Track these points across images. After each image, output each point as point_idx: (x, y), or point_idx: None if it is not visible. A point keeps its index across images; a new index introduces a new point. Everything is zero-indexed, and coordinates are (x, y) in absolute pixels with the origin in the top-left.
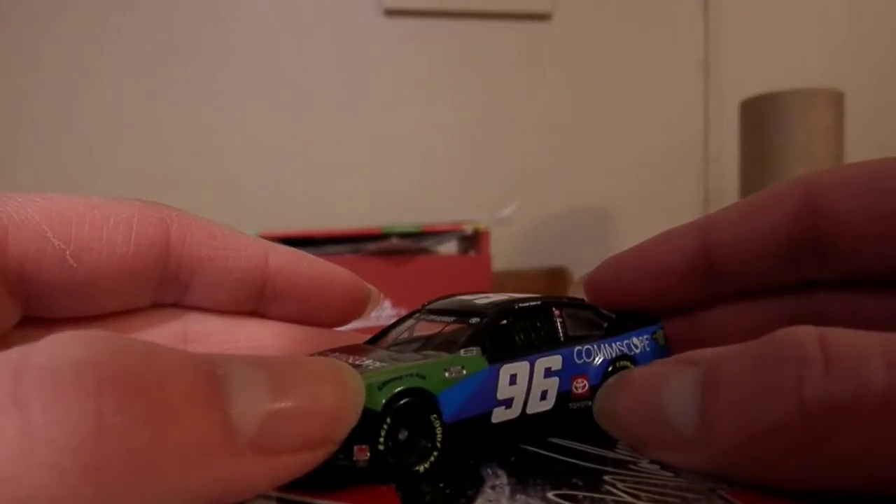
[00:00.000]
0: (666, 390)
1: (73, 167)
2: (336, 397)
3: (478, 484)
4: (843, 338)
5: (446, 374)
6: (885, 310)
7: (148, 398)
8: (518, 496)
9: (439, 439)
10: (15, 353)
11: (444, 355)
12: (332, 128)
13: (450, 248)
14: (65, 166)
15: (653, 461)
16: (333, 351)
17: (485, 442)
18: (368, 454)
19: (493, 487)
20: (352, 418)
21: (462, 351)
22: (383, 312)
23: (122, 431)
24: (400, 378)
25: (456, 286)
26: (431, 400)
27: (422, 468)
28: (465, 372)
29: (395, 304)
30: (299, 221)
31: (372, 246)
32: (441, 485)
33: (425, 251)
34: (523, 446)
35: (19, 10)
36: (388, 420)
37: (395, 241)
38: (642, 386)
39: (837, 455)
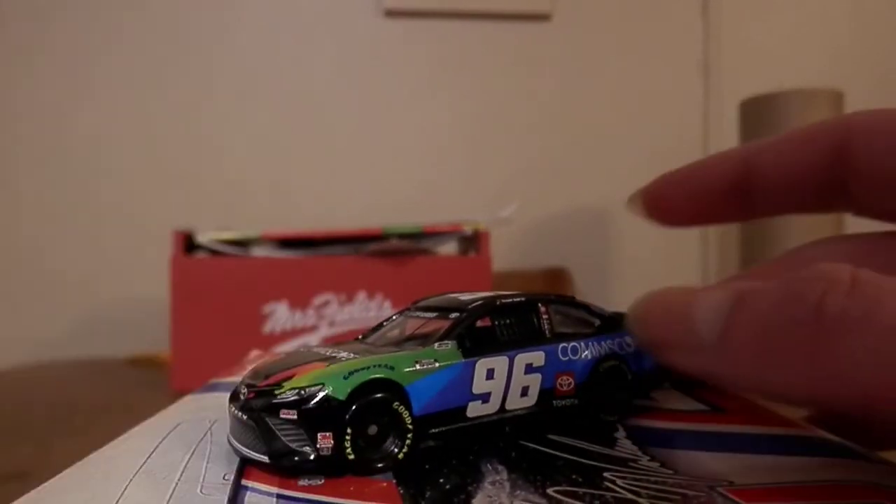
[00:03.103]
0: (698, 301)
1: (74, 167)
2: None
3: (478, 479)
4: (873, 276)
5: (417, 366)
6: None
7: None
8: (518, 492)
9: (409, 430)
10: None
11: (419, 348)
12: (332, 128)
13: (450, 248)
14: (66, 166)
15: (653, 460)
16: (321, 345)
17: (460, 436)
18: (332, 442)
19: (493, 483)
20: None
21: (436, 344)
22: (383, 313)
23: None
24: (367, 368)
25: (456, 286)
26: (400, 391)
27: (393, 460)
28: (437, 364)
29: (395, 305)
30: (299, 221)
31: (372, 246)
32: (441, 480)
33: (426, 251)
34: (523, 443)
35: (20, 10)
36: (353, 409)
37: (395, 242)
38: (677, 294)
39: (840, 362)
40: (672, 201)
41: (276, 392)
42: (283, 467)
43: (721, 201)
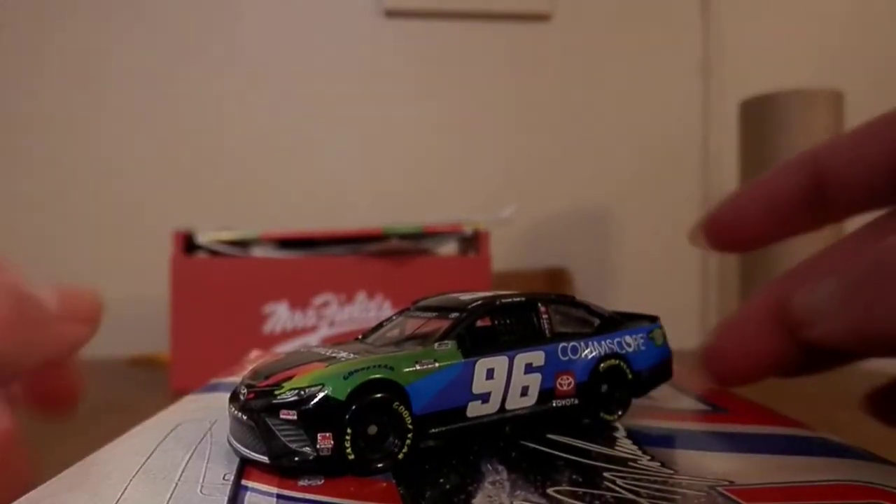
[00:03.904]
0: (797, 295)
1: (75, 167)
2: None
3: (478, 479)
4: None
5: (417, 367)
6: None
7: None
8: (518, 492)
9: (409, 430)
10: None
11: (419, 348)
12: (332, 128)
13: (450, 248)
14: (66, 166)
15: (653, 460)
16: (320, 345)
17: (460, 436)
18: (332, 442)
19: (493, 483)
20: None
21: (436, 344)
22: (383, 313)
23: None
24: (367, 368)
25: (456, 287)
26: (400, 391)
27: (393, 460)
28: (437, 364)
29: (395, 305)
30: (299, 221)
31: (372, 246)
32: (441, 480)
33: (426, 251)
34: (523, 443)
35: (24, 10)
36: (353, 409)
37: (395, 242)
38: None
39: (885, 309)
40: (743, 223)
41: (276, 392)
42: (283, 467)
43: (796, 211)
